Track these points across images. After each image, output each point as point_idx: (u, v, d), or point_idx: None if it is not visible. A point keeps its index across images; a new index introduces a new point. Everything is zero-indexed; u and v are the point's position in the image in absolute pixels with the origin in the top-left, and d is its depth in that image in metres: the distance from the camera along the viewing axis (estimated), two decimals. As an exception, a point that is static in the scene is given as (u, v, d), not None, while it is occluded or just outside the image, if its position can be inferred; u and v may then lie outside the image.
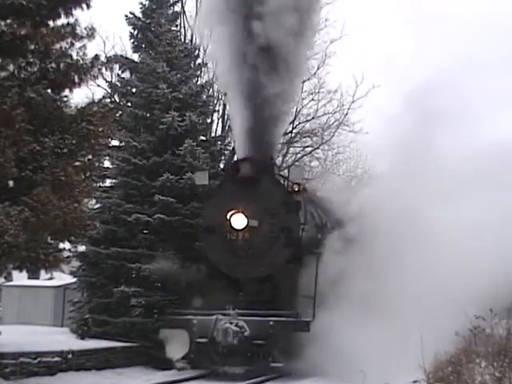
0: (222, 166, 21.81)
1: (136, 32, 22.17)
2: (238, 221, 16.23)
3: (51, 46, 13.19)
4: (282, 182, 17.85)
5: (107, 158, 18.46)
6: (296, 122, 28.09)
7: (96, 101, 14.57)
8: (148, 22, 21.67)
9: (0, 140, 11.68)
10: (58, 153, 12.93)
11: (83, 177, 13.89)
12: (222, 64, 18.07)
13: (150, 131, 19.74)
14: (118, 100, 22.30)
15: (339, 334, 13.90)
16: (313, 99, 28.26)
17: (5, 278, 20.53)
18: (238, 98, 16.80)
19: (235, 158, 18.92)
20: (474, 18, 30.12)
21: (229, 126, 24.35)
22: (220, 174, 19.62)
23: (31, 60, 13.03)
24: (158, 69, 19.88)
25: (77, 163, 13.69)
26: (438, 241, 14.84)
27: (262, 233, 16.50)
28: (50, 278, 23.22)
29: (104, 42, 25.69)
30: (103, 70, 13.90)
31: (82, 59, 13.44)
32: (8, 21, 12.65)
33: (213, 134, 24.18)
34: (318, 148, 29.61)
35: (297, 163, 28.14)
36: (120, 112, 19.26)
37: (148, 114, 20.04)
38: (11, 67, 12.80)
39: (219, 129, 25.86)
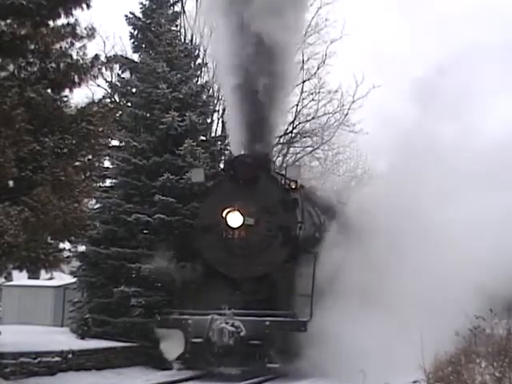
0: (222, 166, 21.79)
1: (136, 32, 22.16)
2: (234, 219, 16.03)
3: (51, 46, 13.20)
4: (278, 179, 17.44)
5: (107, 158, 18.47)
6: (296, 122, 28.16)
7: (96, 101, 14.59)
8: (148, 22, 21.66)
9: (0, 140, 11.68)
10: (57, 153, 12.94)
11: (83, 177, 13.90)
12: (221, 61, 18.08)
13: (150, 131, 19.72)
14: (118, 100, 22.31)
15: (338, 334, 13.77)
16: (313, 99, 28.36)
17: (5, 277, 20.56)
18: (234, 92, 16.73)
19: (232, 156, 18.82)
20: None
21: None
22: (220, 174, 19.56)
23: (31, 60, 13.04)
24: (158, 69, 19.86)
25: (77, 163, 13.71)
26: (438, 239, 14.83)
27: (259, 231, 16.27)
28: (50, 278, 23.25)
29: (104, 41, 25.82)
30: (103, 69, 13.91)
31: (82, 59, 13.45)
32: (8, 21, 12.66)
33: (213, 134, 24.20)
34: (318, 148, 29.67)
35: (297, 163, 28.10)
36: (120, 112, 19.28)
37: (148, 114, 20.02)
38: (11, 67, 12.81)
39: (219, 129, 25.91)
